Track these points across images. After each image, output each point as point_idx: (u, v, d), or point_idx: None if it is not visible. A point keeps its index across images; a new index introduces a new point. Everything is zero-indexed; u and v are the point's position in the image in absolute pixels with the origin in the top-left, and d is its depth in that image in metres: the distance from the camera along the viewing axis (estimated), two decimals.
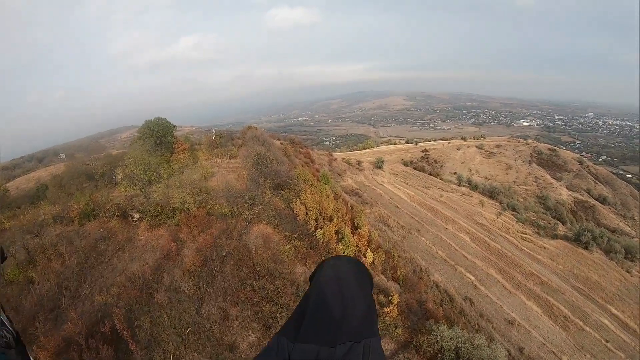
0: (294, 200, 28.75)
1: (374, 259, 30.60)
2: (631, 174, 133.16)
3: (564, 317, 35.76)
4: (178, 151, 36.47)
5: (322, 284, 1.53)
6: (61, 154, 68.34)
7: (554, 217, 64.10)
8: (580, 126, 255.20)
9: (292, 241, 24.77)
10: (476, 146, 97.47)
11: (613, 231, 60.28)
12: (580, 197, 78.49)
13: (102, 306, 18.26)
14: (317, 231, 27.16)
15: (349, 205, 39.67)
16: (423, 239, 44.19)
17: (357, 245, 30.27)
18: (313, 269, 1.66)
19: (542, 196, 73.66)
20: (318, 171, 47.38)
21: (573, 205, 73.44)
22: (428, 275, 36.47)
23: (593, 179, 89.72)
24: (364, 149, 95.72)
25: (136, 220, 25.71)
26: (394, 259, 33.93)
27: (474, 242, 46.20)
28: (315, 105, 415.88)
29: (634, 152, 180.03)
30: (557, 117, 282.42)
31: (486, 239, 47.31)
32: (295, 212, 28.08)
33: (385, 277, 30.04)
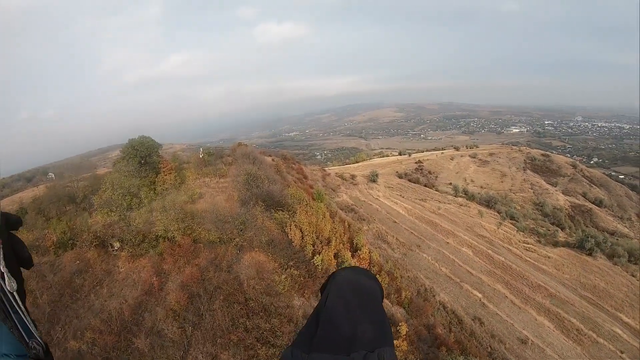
0: (289, 223, 26.63)
1: None
2: (623, 174, 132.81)
3: (577, 330, 34.39)
4: (164, 171, 34.35)
5: (334, 295, 1.52)
6: (50, 174, 63.39)
7: (552, 224, 63.38)
8: (570, 130, 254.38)
9: (288, 270, 22.71)
10: (469, 155, 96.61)
11: (612, 234, 60.12)
12: (576, 201, 78.00)
13: (75, 354, 16.05)
14: (315, 257, 25.12)
15: (346, 223, 37.82)
16: (425, 255, 42.54)
17: None
18: (319, 291, 1.66)
19: (539, 203, 73.04)
20: (312, 187, 45.86)
21: (570, 210, 72.84)
22: (434, 296, 34.86)
23: (588, 182, 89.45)
24: (357, 162, 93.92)
25: (116, 250, 23.38)
26: (397, 280, 32.06)
27: (477, 255, 44.64)
28: (306, 119, 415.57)
29: (625, 153, 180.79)
30: (546, 122, 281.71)
31: (489, 251, 45.84)
32: (290, 237, 26.01)
33: (389, 302, 28.06)
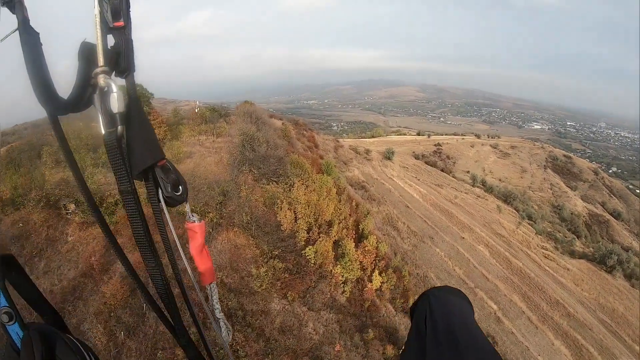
0: (280, 201, 21.88)
1: (382, 285, 24.41)
2: None
3: None
4: (153, 124, 30.03)
5: (435, 314, 1.49)
6: None
7: (569, 230, 61.38)
8: (592, 135, 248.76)
9: (271, 260, 18.18)
10: (490, 145, 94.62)
11: (627, 250, 55.34)
12: (595, 209, 75.59)
13: None
14: (307, 249, 20.36)
15: (353, 203, 33.55)
16: (437, 250, 38.71)
17: (360, 265, 23.95)
18: (409, 312, 1.65)
19: (558, 205, 70.80)
20: (322, 158, 41.94)
21: (587, 218, 70.34)
22: None
23: (608, 191, 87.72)
24: (373, 137, 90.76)
25: (70, 214, 18.32)
26: (404, 279, 27.74)
27: (494, 257, 41.02)
28: (326, 89, 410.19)
29: None
30: (569, 123, 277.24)
31: (507, 254, 42.12)
32: (279, 218, 21.34)
33: (393, 309, 24.00)
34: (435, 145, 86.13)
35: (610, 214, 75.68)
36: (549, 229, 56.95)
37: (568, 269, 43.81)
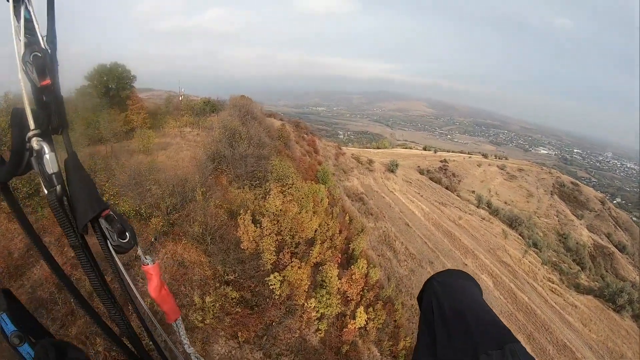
0: (242, 211, 17.84)
1: (367, 322, 20.24)
2: None
3: None
4: (131, 109, 26.88)
5: (441, 299, 1.46)
6: None
7: (574, 260, 59.76)
8: (597, 164, 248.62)
9: (223, 287, 14.57)
10: (498, 166, 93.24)
11: (633, 285, 52.14)
12: (600, 241, 73.96)
13: None
14: (272, 276, 16.24)
15: (347, 217, 30.22)
16: None
17: (343, 297, 20.20)
18: (416, 301, 1.63)
19: (563, 234, 69.46)
20: (320, 164, 38.87)
21: (592, 249, 68.60)
22: None
23: (614, 223, 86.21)
24: (378, 148, 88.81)
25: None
26: (396, 313, 23.96)
27: (498, 288, 38.14)
28: (335, 97, 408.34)
29: None
30: (575, 150, 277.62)
31: (512, 285, 39.25)
32: (239, 232, 17.25)
33: (379, 353, 20.06)
34: (441, 161, 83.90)
35: (615, 246, 74.04)
36: (554, 259, 55.27)
37: (576, 306, 41.17)
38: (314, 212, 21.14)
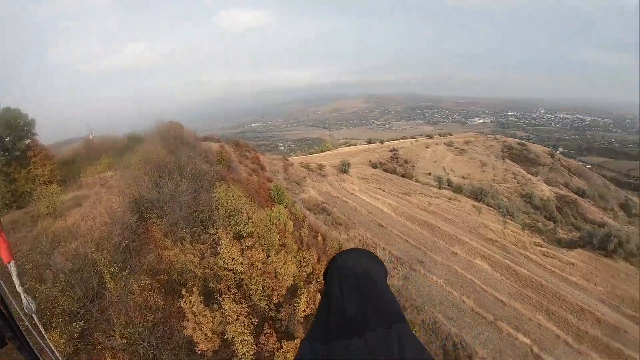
0: (187, 292, 11.99)
1: None
2: (590, 164, 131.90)
3: None
4: (34, 162, 21.68)
5: (339, 279, 1.49)
6: None
7: (545, 217, 61.14)
8: (533, 121, 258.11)
9: None
10: (445, 143, 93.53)
11: (601, 226, 55.27)
12: (560, 191, 76.01)
13: None
14: None
15: (319, 237, 26.12)
16: (433, 277, 32.07)
17: None
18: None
19: (527, 194, 70.20)
20: (270, 181, 35.63)
21: (556, 201, 69.89)
22: (470, 356, 23.71)
23: (567, 171, 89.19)
24: (322, 151, 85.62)
25: None
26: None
27: (497, 270, 35.35)
28: (271, 110, 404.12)
29: (589, 144, 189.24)
30: (509, 113, 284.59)
31: (508, 262, 36.75)
32: (187, 332, 11.52)
33: None
34: (390, 150, 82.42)
35: (576, 193, 76.82)
36: (527, 221, 55.41)
37: (573, 264, 40.13)
38: (282, 246, 16.56)
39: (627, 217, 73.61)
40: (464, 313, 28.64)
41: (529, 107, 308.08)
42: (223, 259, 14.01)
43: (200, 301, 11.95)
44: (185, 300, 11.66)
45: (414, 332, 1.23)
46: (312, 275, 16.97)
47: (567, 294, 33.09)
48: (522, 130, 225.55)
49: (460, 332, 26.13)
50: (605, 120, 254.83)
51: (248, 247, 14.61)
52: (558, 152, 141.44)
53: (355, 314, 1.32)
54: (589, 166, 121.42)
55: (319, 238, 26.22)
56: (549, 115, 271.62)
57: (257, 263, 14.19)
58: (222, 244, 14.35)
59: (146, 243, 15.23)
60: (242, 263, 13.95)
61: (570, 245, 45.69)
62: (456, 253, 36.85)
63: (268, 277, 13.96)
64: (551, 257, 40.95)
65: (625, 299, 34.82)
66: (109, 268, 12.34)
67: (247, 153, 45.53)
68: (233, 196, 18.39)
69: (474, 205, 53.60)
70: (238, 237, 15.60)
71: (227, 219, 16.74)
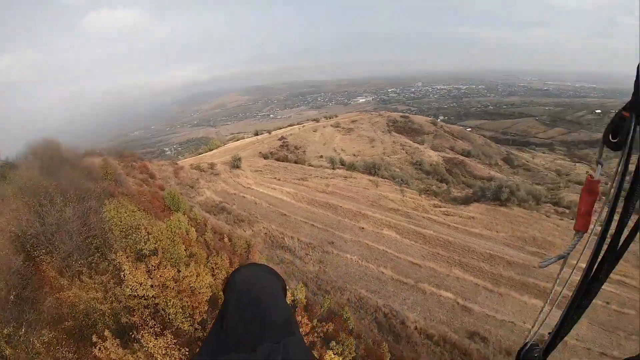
0: (99, 340, 9.59)
1: None
2: (470, 127, 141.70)
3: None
4: None
5: (236, 293, 1.51)
6: None
7: (437, 180, 64.67)
8: (412, 95, 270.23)
9: None
10: (332, 125, 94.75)
11: (490, 180, 59.05)
12: (447, 155, 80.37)
13: None
14: None
15: (225, 238, 24.52)
16: (348, 255, 31.81)
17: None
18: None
19: (417, 162, 73.09)
20: (162, 189, 33.56)
21: (445, 164, 73.95)
22: (403, 322, 23.58)
23: (451, 136, 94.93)
24: (211, 150, 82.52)
25: None
26: (348, 322, 18.23)
27: (406, 236, 35.86)
28: (151, 115, 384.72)
29: (467, 109, 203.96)
30: (389, 90, 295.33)
31: (413, 227, 37.59)
32: None
33: None
34: (279, 139, 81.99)
35: (461, 155, 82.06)
36: (422, 186, 57.23)
37: (473, 217, 41.61)
38: (190, 257, 14.81)
39: (511, 169, 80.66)
40: (385, 283, 28.78)
41: (408, 82, 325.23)
42: (130, 287, 11.81)
43: (118, 344, 9.51)
44: (100, 348, 9.43)
45: (303, 340, 1.32)
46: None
47: (475, 245, 34.56)
48: (403, 104, 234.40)
49: (387, 302, 26.21)
50: (480, 87, 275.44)
51: (154, 266, 12.56)
52: (439, 119, 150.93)
53: (246, 329, 1.32)
54: (470, 129, 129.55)
55: (225, 239, 24.72)
56: (427, 88, 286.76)
57: (168, 282, 12.33)
58: (124, 269, 11.97)
59: (40, 287, 12.57)
60: (152, 286, 12.02)
61: (466, 201, 47.62)
62: (363, 228, 36.97)
63: (185, 295, 12.24)
64: (452, 215, 42.29)
65: (526, 239, 36.50)
66: (2, 331, 9.93)
67: (134, 163, 42.87)
68: (126, 212, 16.32)
69: (370, 180, 54.35)
70: (141, 257, 13.66)
71: (124, 239, 14.77)
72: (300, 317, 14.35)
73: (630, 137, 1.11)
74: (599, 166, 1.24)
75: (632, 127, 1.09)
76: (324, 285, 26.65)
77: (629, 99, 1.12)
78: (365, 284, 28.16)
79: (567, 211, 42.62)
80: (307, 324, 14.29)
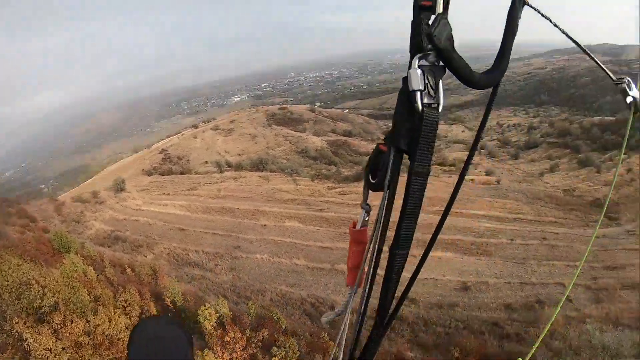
0: None
1: None
2: (347, 109, 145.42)
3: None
4: None
5: (136, 352, 1.47)
6: None
7: (326, 164, 66.13)
8: (286, 86, 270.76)
9: None
10: (211, 128, 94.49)
11: None
12: (330, 138, 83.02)
13: None
14: None
15: (127, 269, 23.62)
16: (257, 256, 32.00)
17: None
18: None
19: (302, 150, 74.71)
20: (47, 231, 31.50)
21: (330, 147, 76.17)
22: (332, 307, 23.88)
23: (331, 120, 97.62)
24: (91, 177, 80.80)
25: None
26: (279, 323, 18.35)
27: (308, 224, 37.16)
28: (22, 153, 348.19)
29: (342, 92, 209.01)
30: (263, 84, 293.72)
31: (314, 213, 39.08)
32: None
33: None
34: (160, 152, 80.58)
35: (343, 135, 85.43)
36: (312, 172, 58.75)
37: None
38: (96, 301, 13.62)
39: None
40: (302, 274, 29.28)
41: (280, 75, 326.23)
42: (39, 358, 10.40)
43: None
44: None
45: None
46: (144, 315, 14.10)
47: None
48: (279, 97, 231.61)
49: (310, 291, 26.78)
50: (351, 70, 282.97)
51: (59, 324, 11.24)
52: (317, 106, 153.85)
53: None
54: (347, 110, 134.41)
55: (128, 271, 23.49)
56: (300, 77, 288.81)
57: (81, 338, 11.20)
58: (26, 338, 10.49)
59: None
60: (63, 349, 10.69)
61: (358, 178, 49.02)
62: (265, 225, 37.25)
63: (104, 348, 11.17)
64: (348, 194, 43.78)
65: (431, 201, 38.50)
66: None
67: (10, 209, 40.03)
68: (10, 268, 14.08)
69: (260, 176, 55.18)
70: (42, 317, 12.10)
71: (17, 301, 12.79)
72: (232, 332, 14.06)
73: (388, 174, 1.06)
74: (363, 212, 1.21)
75: (391, 162, 1.05)
76: (243, 292, 26.53)
77: None
78: (283, 280, 28.45)
79: (454, 168, 46.36)
80: (241, 338, 14.07)
